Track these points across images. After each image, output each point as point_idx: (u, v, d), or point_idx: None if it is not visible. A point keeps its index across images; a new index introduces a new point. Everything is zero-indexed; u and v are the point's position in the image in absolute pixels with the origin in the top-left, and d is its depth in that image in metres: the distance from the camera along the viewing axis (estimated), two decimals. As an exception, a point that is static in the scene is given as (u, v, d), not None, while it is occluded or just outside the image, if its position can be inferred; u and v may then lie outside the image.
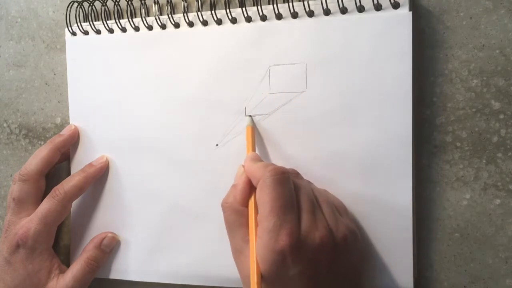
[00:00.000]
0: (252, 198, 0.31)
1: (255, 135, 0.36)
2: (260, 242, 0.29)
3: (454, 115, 0.33)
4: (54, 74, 0.44)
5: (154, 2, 0.39)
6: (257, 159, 0.33)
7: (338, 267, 0.30)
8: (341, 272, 0.30)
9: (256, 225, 0.30)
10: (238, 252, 0.31)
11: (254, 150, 0.35)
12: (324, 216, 0.30)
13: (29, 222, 0.38)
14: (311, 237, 0.29)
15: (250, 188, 0.32)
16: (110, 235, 0.40)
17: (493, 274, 0.33)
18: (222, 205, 0.32)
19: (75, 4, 0.41)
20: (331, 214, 0.31)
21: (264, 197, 0.29)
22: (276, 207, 0.29)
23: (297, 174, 0.34)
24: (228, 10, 0.36)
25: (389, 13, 0.33)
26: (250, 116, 0.36)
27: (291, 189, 0.30)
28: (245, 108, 0.36)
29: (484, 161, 0.33)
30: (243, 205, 0.32)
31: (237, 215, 0.31)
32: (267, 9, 0.35)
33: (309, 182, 0.34)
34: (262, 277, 0.28)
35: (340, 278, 0.30)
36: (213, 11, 0.37)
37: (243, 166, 0.33)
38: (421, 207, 0.34)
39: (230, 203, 0.32)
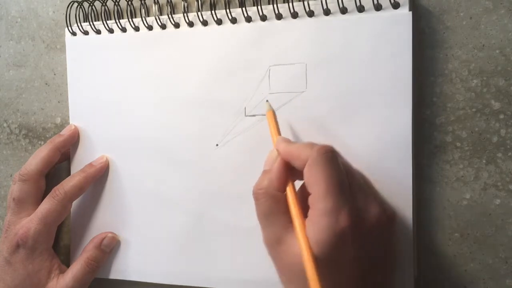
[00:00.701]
0: (290, 182, 0.29)
1: (276, 122, 0.34)
2: (315, 226, 0.27)
3: (454, 115, 0.33)
4: (54, 74, 0.44)
5: (154, 2, 0.39)
6: (290, 141, 0.31)
7: (387, 241, 0.29)
8: (388, 245, 0.30)
9: (300, 209, 0.28)
10: (276, 242, 0.29)
11: (280, 133, 0.33)
12: (373, 194, 0.30)
13: (29, 222, 0.38)
14: (367, 216, 0.28)
15: (287, 172, 0.30)
16: (110, 235, 0.40)
17: (493, 274, 0.33)
18: (255, 192, 0.30)
19: (75, 4, 0.41)
20: (377, 192, 0.30)
21: (317, 176, 0.27)
22: (332, 186, 0.27)
23: None
24: (228, 10, 0.36)
25: (389, 13, 0.33)
26: (267, 101, 0.35)
27: (341, 168, 0.28)
28: (245, 108, 0.36)
29: (484, 161, 0.33)
30: (280, 190, 0.29)
31: (274, 201, 0.29)
32: (267, 9, 0.35)
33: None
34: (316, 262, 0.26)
35: (388, 252, 0.30)
36: (213, 11, 0.37)
37: (277, 150, 0.31)
38: (421, 207, 0.34)
39: (265, 189, 0.29)
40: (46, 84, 0.45)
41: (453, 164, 0.33)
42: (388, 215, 0.29)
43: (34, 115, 0.45)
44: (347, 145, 0.34)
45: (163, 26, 0.39)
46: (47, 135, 0.45)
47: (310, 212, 0.28)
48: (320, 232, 0.26)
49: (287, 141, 0.31)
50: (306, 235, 0.27)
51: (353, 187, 0.29)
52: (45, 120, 0.45)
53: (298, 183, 0.31)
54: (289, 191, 0.29)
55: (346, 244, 0.27)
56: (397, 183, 0.32)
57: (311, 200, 0.28)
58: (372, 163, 0.33)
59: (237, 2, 0.37)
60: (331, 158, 0.28)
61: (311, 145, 0.29)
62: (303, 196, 0.29)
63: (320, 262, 0.26)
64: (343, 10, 0.34)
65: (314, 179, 0.28)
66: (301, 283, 0.27)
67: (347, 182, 0.28)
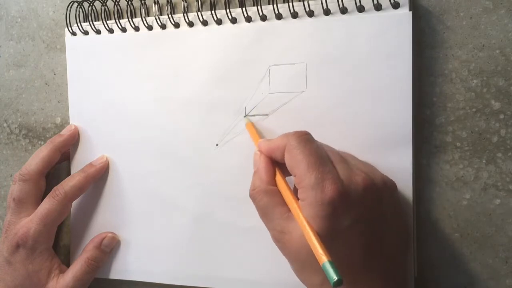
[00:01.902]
0: (277, 173, 0.31)
1: (256, 130, 0.36)
2: (306, 202, 0.28)
3: (454, 115, 0.33)
4: (54, 74, 0.44)
5: (154, 2, 0.39)
6: (269, 139, 0.33)
7: (386, 208, 0.30)
8: (390, 212, 0.30)
9: (292, 193, 0.30)
10: (280, 233, 0.29)
11: (260, 138, 0.34)
12: (356, 164, 0.30)
13: (29, 222, 0.38)
14: (354, 182, 0.28)
15: (273, 166, 0.31)
16: (110, 235, 0.40)
17: (493, 274, 0.33)
18: (251, 194, 0.31)
19: (75, 4, 0.41)
20: (360, 163, 0.31)
21: (296, 157, 0.29)
22: (312, 161, 0.28)
23: None
24: (228, 10, 0.36)
25: (389, 13, 0.32)
26: (245, 116, 0.36)
27: (318, 145, 0.30)
28: (245, 108, 0.36)
29: (484, 161, 0.33)
30: (272, 184, 0.31)
31: (269, 196, 0.30)
32: (267, 9, 0.35)
33: None
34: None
35: (390, 219, 0.30)
36: (213, 11, 0.37)
37: (259, 150, 0.33)
38: (421, 207, 0.34)
39: (259, 187, 0.31)
40: (46, 84, 0.45)
41: (453, 164, 0.33)
42: (377, 179, 0.30)
43: (34, 115, 0.45)
44: (347, 145, 0.34)
45: (163, 26, 0.39)
46: (47, 135, 0.45)
47: (299, 193, 0.29)
48: (311, 207, 0.27)
49: (266, 140, 0.33)
50: (303, 215, 0.28)
51: (334, 160, 0.30)
52: (45, 120, 0.45)
53: (289, 181, 0.31)
54: (278, 181, 0.31)
55: (340, 211, 0.27)
56: (397, 183, 0.32)
57: (296, 181, 0.29)
58: (372, 163, 0.33)
59: (237, 2, 0.37)
60: (307, 139, 0.30)
61: (287, 134, 0.31)
62: (295, 189, 0.30)
63: (321, 236, 0.27)
64: (343, 10, 0.34)
65: (295, 161, 0.29)
66: (313, 265, 0.27)
67: (326, 156, 0.29)
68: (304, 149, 0.29)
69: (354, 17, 0.33)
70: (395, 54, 0.32)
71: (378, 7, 0.33)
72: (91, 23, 0.41)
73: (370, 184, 0.29)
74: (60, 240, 0.44)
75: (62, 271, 0.39)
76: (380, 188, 0.30)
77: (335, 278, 0.25)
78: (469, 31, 0.33)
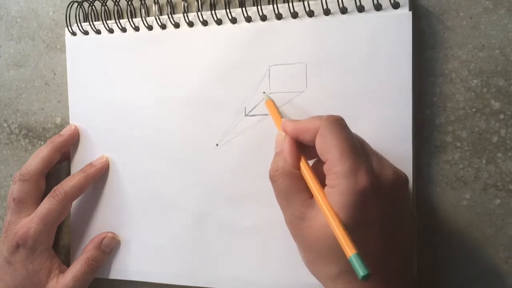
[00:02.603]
0: (303, 158, 0.30)
1: (277, 109, 0.35)
2: (336, 190, 0.27)
3: (454, 115, 0.33)
4: (54, 74, 0.44)
5: (154, 2, 0.39)
6: (295, 120, 0.31)
7: (405, 205, 0.30)
8: (406, 209, 0.30)
9: (318, 181, 0.28)
10: (298, 219, 0.29)
11: (282, 117, 0.33)
12: (384, 158, 0.30)
13: (29, 222, 0.38)
14: (384, 175, 0.28)
15: (298, 149, 0.30)
16: (110, 235, 0.40)
17: (493, 274, 0.33)
18: (272, 175, 0.30)
19: (75, 4, 0.41)
20: (385, 159, 0.30)
21: (330, 142, 0.28)
22: (347, 149, 0.27)
23: None
24: (228, 10, 0.36)
25: (389, 13, 0.32)
26: (264, 92, 0.36)
27: (352, 133, 0.29)
28: (245, 108, 0.36)
29: (484, 161, 0.33)
30: (296, 168, 0.30)
31: (292, 179, 0.29)
32: (267, 9, 0.35)
33: None
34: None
35: (405, 218, 0.30)
36: (213, 11, 0.37)
37: (284, 131, 0.31)
38: (421, 207, 0.34)
39: (282, 169, 0.30)
40: (46, 84, 0.45)
41: (453, 164, 0.33)
42: (402, 175, 0.29)
43: (34, 115, 0.45)
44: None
45: (163, 26, 0.39)
46: (47, 135, 0.45)
47: (328, 179, 0.28)
48: (342, 195, 0.26)
49: (292, 120, 0.31)
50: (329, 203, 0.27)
51: (366, 151, 0.29)
52: (45, 120, 0.45)
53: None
54: (303, 166, 0.30)
55: (369, 204, 0.27)
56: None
57: (327, 167, 0.28)
58: (372, 163, 0.33)
59: (237, 2, 0.37)
60: (342, 125, 0.29)
61: (319, 116, 0.30)
62: (316, 172, 0.29)
63: (347, 226, 0.26)
64: (343, 10, 0.34)
65: (328, 145, 0.28)
66: (331, 255, 0.27)
67: (359, 146, 0.28)
68: (339, 135, 0.28)
69: (354, 17, 0.33)
70: (395, 54, 0.32)
71: (378, 7, 0.33)
72: (91, 23, 0.41)
73: (398, 179, 0.29)
74: (60, 240, 0.44)
75: (62, 271, 0.39)
76: (404, 185, 0.30)
77: (363, 272, 0.24)
78: (469, 31, 0.33)
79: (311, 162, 0.31)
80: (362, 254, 0.25)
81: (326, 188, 0.28)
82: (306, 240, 0.29)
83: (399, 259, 0.29)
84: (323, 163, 0.28)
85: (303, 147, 0.30)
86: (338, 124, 0.28)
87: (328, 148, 0.28)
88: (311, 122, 0.29)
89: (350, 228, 0.26)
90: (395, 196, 0.29)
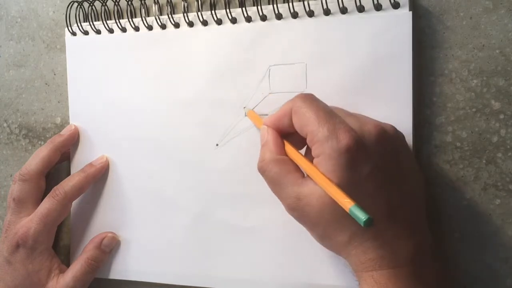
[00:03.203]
0: (287, 144, 0.31)
1: (258, 115, 0.35)
2: (322, 157, 0.27)
3: (454, 115, 0.33)
4: (54, 74, 0.44)
5: (154, 2, 0.39)
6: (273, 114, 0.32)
7: (402, 157, 0.30)
8: (405, 161, 0.30)
9: (304, 156, 0.29)
10: (296, 200, 0.29)
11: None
12: (364, 116, 0.30)
13: (29, 222, 0.38)
14: (366, 131, 0.28)
15: (281, 138, 0.31)
16: (110, 235, 0.40)
17: (493, 274, 0.33)
18: (260, 166, 0.31)
19: (75, 4, 0.41)
20: (368, 117, 0.30)
21: (305, 115, 0.29)
22: (321, 115, 0.28)
23: None
24: (228, 10, 0.36)
25: (389, 13, 0.33)
26: (245, 107, 0.36)
27: (324, 103, 0.30)
28: (245, 108, 0.36)
29: (484, 161, 0.33)
30: (281, 154, 0.30)
31: (280, 164, 0.30)
32: (267, 9, 0.35)
33: None
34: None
35: (406, 169, 0.30)
36: (213, 11, 0.37)
37: (265, 125, 0.32)
38: (421, 207, 0.34)
39: (268, 158, 0.30)
40: (46, 84, 0.45)
41: (453, 164, 0.33)
42: (386, 127, 0.30)
43: (34, 115, 0.45)
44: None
45: (163, 26, 0.39)
46: (47, 135, 0.45)
47: (313, 150, 0.28)
48: (329, 158, 0.27)
49: (271, 115, 0.32)
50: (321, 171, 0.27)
51: (342, 115, 0.29)
52: (45, 120, 0.45)
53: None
54: (287, 148, 0.31)
55: (358, 160, 0.27)
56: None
57: (309, 139, 0.29)
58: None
59: (237, 2, 0.37)
60: (312, 98, 0.30)
61: (290, 99, 0.31)
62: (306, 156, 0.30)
63: (342, 187, 0.26)
64: (343, 10, 0.34)
65: (304, 119, 0.29)
66: (338, 222, 0.27)
67: (334, 111, 0.29)
68: (311, 106, 0.29)
69: (354, 17, 0.33)
70: (395, 54, 0.32)
71: (378, 7, 0.33)
72: (91, 23, 0.41)
73: (382, 132, 0.29)
74: (60, 240, 0.44)
75: (62, 271, 0.39)
76: (392, 136, 0.30)
77: (364, 217, 0.24)
78: (469, 31, 0.33)
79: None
80: (366, 209, 0.25)
81: (315, 159, 0.28)
82: (310, 217, 0.29)
83: (407, 211, 0.29)
84: (310, 149, 0.29)
85: (286, 137, 0.31)
86: (309, 98, 0.30)
87: (305, 121, 0.29)
88: (285, 107, 0.31)
89: (345, 187, 0.26)
90: (385, 150, 0.28)
